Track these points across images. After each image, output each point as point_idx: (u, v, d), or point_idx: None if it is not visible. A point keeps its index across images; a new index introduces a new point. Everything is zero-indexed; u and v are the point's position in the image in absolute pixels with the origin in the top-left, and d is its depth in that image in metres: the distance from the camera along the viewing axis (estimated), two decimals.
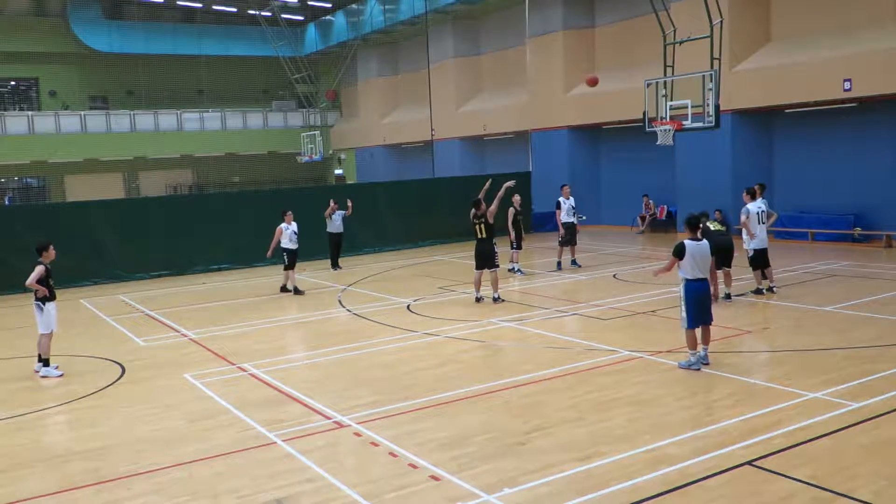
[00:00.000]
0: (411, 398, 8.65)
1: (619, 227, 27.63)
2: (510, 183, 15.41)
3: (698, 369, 9.17)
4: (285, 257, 16.49)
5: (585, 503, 5.86)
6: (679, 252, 9.19)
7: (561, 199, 18.19)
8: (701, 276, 9.24)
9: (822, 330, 11.16)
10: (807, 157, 22.31)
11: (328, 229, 19.78)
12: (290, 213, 16.88)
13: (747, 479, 6.16)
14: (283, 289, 16.73)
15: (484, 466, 6.60)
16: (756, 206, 13.59)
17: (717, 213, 15.02)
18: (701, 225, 9.72)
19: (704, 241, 9.43)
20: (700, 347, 9.32)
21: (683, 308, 9.30)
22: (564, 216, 18.05)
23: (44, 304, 10.55)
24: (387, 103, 42.99)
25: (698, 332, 9.30)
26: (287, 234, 16.49)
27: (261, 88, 48.70)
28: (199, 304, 16.15)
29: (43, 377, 10.47)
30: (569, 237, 18.12)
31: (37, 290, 10.50)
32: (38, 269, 10.48)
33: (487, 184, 15.71)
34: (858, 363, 9.27)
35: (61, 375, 10.45)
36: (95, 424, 8.38)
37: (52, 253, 10.75)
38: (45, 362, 10.57)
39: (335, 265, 20.01)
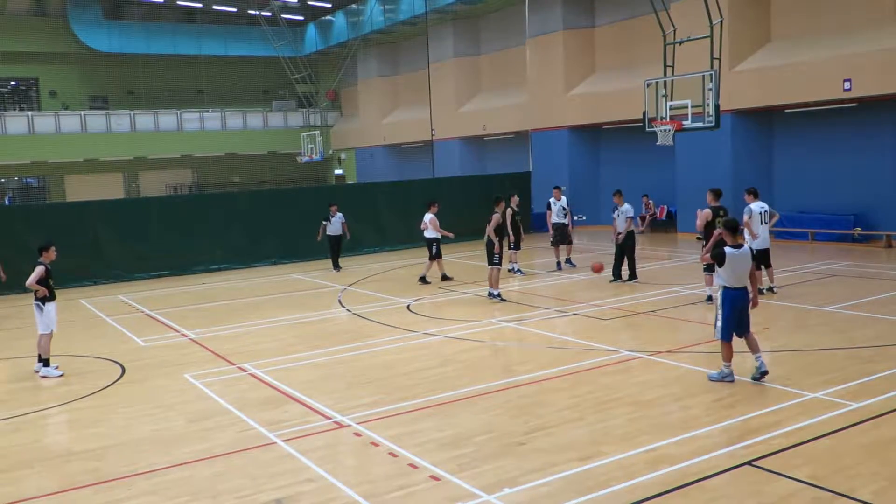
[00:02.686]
0: (411, 398, 8.65)
1: None
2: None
3: (732, 381, 8.66)
4: (434, 247, 16.87)
5: (585, 503, 5.86)
6: (720, 260, 8.58)
7: (551, 199, 18.45)
8: (740, 284, 8.62)
9: (822, 330, 11.16)
10: (807, 157, 22.31)
11: (327, 231, 19.76)
12: (436, 203, 17.27)
13: (747, 479, 6.15)
14: (423, 280, 17.04)
15: (484, 466, 6.60)
16: (759, 205, 13.59)
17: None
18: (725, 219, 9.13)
19: (746, 247, 8.80)
20: (753, 357, 8.70)
21: (720, 317, 8.69)
22: (555, 217, 18.26)
23: (43, 305, 10.54)
24: (387, 103, 42.98)
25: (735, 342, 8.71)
26: (436, 223, 16.88)
27: (261, 88, 48.66)
28: (199, 304, 16.15)
29: (43, 377, 10.46)
30: (559, 237, 18.24)
31: (37, 291, 10.50)
32: (38, 270, 10.48)
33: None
34: (858, 363, 9.27)
35: (61, 375, 10.45)
36: (95, 424, 8.38)
37: (52, 253, 10.74)
38: (46, 362, 10.56)
39: (336, 266, 20.00)
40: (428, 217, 17.07)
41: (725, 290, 8.66)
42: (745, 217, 13.58)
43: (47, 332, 10.52)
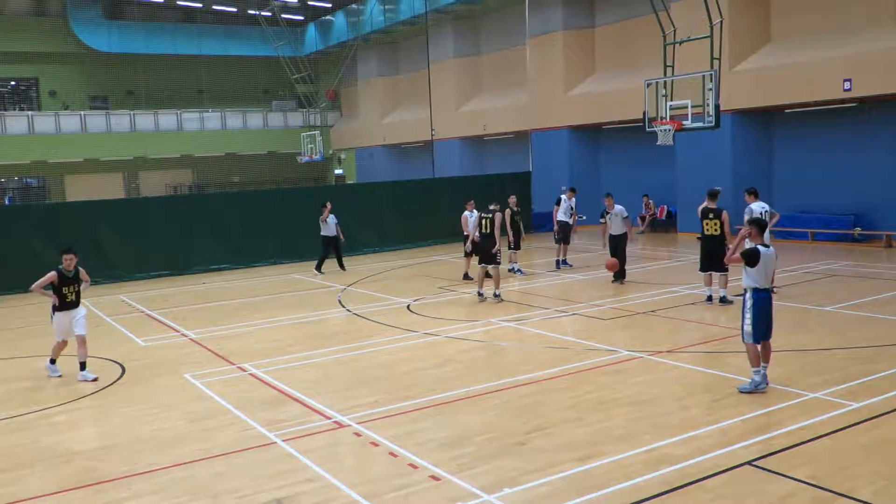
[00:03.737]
0: (411, 398, 8.65)
1: None
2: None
3: (765, 389, 8.32)
4: (470, 245, 16.85)
5: (585, 503, 5.86)
6: (753, 259, 8.28)
7: (563, 196, 18.57)
8: (769, 285, 8.45)
9: (822, 330, 11.17)
10: (807, 157, 22.31)
11: (322, 232, 19.24)
12: (472, 201, 17.13)
13: (747, 479, 6.15)
14: (466, 276, 17.22)
15: (484, 466, 6.60)
16: (759, 206, 13.59)
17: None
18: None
19: (772, 248, 8.57)
20: (760, 364, 8.44)
21: (749, 320, 8.33)
22: (561, 215, 18.32)
23: (53, 313, 10.30)
24: (387, 103, 42.98)
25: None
26: (472, 222, 16.60)
27: (261, 88, 48.69)
28: (199, 304, 16.15)
29: (49, 375, 10.44)
30: (562, 235, 18.30)
31: (49, 297, 10.28)
32: (48, 275, 10.13)
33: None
34: (858, 363, 9.27)
35: (59, 376, 10.40)
36: (95, 424, 8.39)
37: (66, 260, 10.22)
38: (52, 360, 10.51)
39: (339, 265, 19.61)
40: (464, 214, 16.88)
41: (756, 291, 8.36)
42: (746, 217, 13.57)
43: (58, 339, 10.34)
